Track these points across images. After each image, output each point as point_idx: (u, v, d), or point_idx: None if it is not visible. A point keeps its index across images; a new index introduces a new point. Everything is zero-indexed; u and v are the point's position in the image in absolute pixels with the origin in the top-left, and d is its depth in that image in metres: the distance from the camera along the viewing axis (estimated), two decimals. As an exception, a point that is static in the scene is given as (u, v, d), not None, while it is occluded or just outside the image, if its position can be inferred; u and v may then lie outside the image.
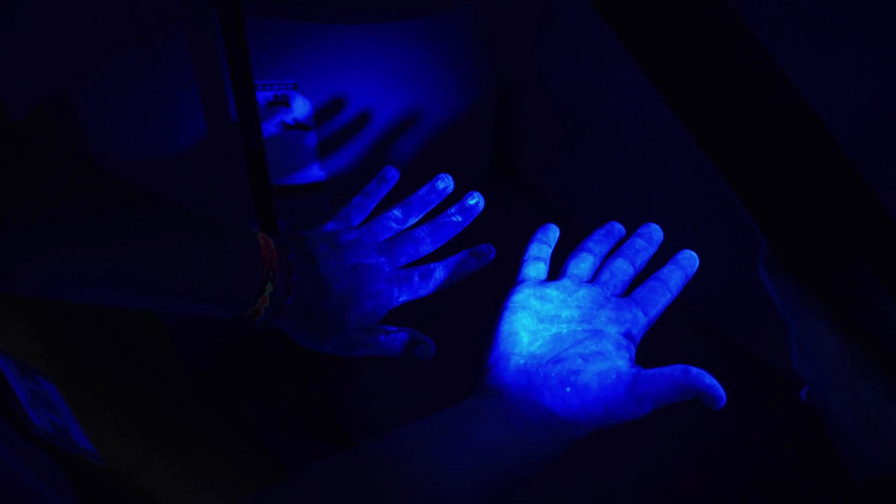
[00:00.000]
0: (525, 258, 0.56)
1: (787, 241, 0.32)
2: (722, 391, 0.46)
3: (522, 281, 0.54)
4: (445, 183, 0.59)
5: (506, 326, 0.50)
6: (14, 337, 1.21)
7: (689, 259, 0.54)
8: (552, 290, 0.53)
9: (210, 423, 1.21)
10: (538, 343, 0.49)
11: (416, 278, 0.56)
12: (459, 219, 0.57)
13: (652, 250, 0.55)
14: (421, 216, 0.59)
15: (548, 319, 0.51)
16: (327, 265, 0.52)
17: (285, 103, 0.93)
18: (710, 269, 1.05)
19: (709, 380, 0.46)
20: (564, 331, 0.50)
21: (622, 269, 0.54)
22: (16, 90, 0.68)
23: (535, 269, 0.55)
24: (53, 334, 1.22)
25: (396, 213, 0.58)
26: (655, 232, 0.56)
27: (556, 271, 0.56)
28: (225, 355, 1.25)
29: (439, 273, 0.56)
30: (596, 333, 0.49)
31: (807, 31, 0.90)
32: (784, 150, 0.30)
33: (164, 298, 0.44)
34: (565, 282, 0.54)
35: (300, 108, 0.93)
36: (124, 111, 0.85)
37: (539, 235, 0.58)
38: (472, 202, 0.57)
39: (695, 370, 0.46)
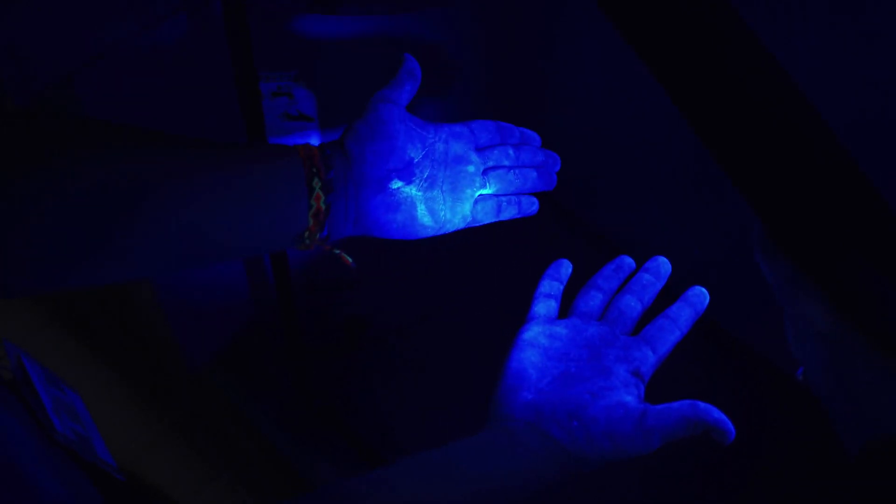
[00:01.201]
0: (536, 295, 0.56)
1: (780, 221, 0.32)
2: (730, 426, 0.46)
3: (533, 318, 0.55)
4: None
5: (515, 364, 0.51)
6: (42, 330, 1.22)
7: (699, 296, 0.54)
8: (561, 329, 0.53)
9: (211, 415, 1.22)
10: (547, 380, 0.50)
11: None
12: (542, 159, 0.58)
13: (660, 285, 0.56)
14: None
15: (556, 357, 0.51)
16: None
17: (288, 94, 0.93)
18: (712, 267, 1.05)
19: (717, 414, 0.46)
20: (573, 369, 0.50)
21: (630, 306, 0.54)
22: (17, 76, 0.69)
23: (546, 306, 0.55)
24: (78, 342, 1.23)
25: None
26: (663, 266, 0.56)
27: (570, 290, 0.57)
28: (226, 347, 1.25)
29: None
30: (604, 371, 0.50)
31: (802, 23, 0.90)
32: (776, 132, 0.30)
33: (235, 240, 0.45)
34: (574, 320, 0.54)
35: (303, 99, 0.94)
36: (127, 99, 0.86)
37: (551, 272, 0.58)
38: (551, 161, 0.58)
39: (702, 405, 0.46)
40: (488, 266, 1.25)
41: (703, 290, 0.54)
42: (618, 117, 1.26)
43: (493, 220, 0.55)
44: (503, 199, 0.55)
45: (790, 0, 0.89)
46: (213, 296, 1.16)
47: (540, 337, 0.53)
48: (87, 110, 0.80)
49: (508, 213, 0.56)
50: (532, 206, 0.57)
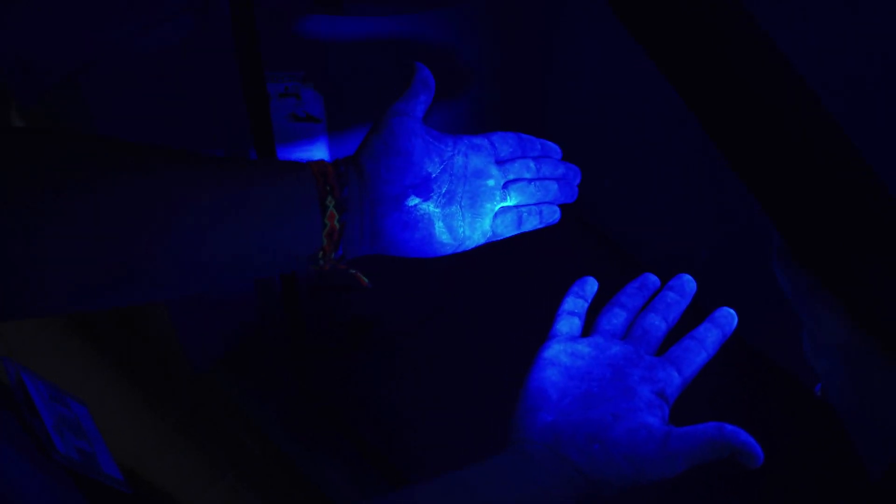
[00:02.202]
0: (559, 312, 0.54)
1: (799, 233, 0.32)
2: (759, 449, 0.44)
3: (554, 336, 0.53)
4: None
5: (534, 384, 0.49)
6: (45, 329, 1.21)
7: (727, 317, 0.52)
8: (584, 347, 0.52)
9: (216, 416, 1.21)
10: (567, 400, 0.48)
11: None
12: (564, 171, 0.56)
13: (685, 303, 0.54)
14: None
15: (578, 377, 0.50)
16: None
17: (296, 96, 0.92)
18: (718, 267, 1.04)
19: (744, 437, 0.45)
20: (595, 389, 0.49)
21: (655, 324, 0.53)
22: (23, 76, 0.68)
23: (569, 324, 0.54)
24: (82, 344, 1.23)
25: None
26: (688, 284, 0.54)
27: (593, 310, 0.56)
28: (231, 348, 1.25)
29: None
30: (628, 391, 0.48)
31: (816, 25, 0.89)
32: (795, 144, 0.30)
33: (247, 261, 0.43)
34: (597, 338, 0.52)
35: (311, 100, 0.93)
36: (133, 99, 0.85)
37: (576, 289, 0.56)
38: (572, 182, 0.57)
39: (730, 427, 0.45)
40: (493, 267, 1.24)
41: (732, 311, 0.52)
42: (625, 120, 1.26)
43: (515, 232, 0.53)
44: (524, 209, 0.53)
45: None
46: (218, 297, 1.16)
47: (561, 355, 0.51)
48: (92, 111, 0.80)
49: (530, 224, 0.54)
50: (553, 214, 0.55)
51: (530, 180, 0.53)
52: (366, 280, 0.51)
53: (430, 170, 0.49)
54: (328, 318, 1.26)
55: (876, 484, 0.31)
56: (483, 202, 0.51)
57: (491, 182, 0.51)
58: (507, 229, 0.53)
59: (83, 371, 1.21)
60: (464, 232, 0.51)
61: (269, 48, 0.80)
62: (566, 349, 0.51)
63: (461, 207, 0.50)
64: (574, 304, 0.55)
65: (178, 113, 0.91)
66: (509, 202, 0.52)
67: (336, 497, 1.13)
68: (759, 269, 0.57)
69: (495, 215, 0.52)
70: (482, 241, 0.52)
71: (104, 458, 0.86)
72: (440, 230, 0.50)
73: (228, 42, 0.83)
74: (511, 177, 0.53)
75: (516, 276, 1.29)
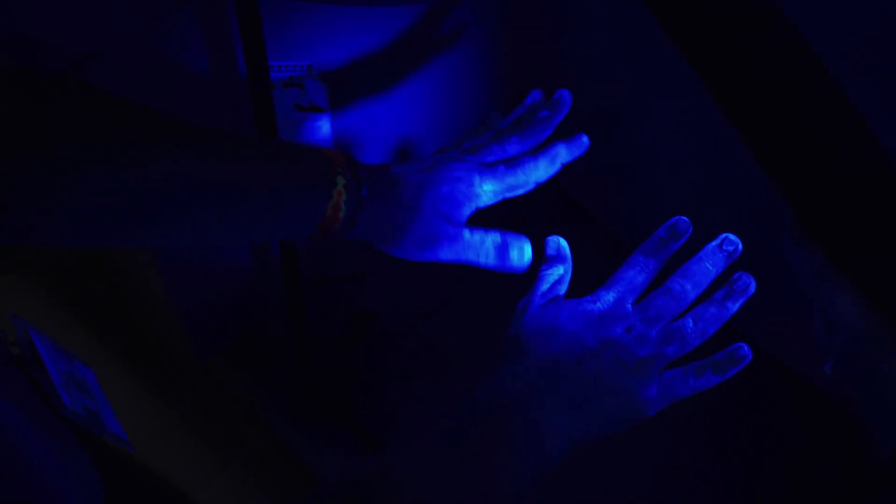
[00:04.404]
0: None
1: (812, 212, 0.31)
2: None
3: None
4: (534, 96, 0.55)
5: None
6: (55, 322, 1.22)
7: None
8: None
9: (219, 406, 1.22)
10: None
11: (502, 167, 0.50)
12: (545, 113, 0.53)
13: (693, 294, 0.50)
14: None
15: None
16: (400, 167, 0.49)
17: (300, 85, 0.92)
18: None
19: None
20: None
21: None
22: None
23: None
24: (93, 321, 1.23)
25: (490, 134, 0.53)
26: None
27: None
28: (235, 340, 1.25)
29: (529, 162, 0.51)
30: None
31: (830, 12, 0.89)
32: (809, 122, 0.30)
33: (242, 214, 0.43)
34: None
35: (315, 90, 0.93)
36: (137, 89, 0.85)
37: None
38: (555, 97, 0.53)
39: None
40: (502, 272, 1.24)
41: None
42: (628, 109, 1.25)
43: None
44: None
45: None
46: (222, 288, 1.16)
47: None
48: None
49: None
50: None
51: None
52: None
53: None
54: (332, 310, 1.26)
55: (884, 466, 0.31)
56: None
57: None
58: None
59: (85, 364, 1.22)
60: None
61: (274, 38, 0.80)
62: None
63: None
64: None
65: (181, 102, 0.90)
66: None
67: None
68: (762, 265, 0.57)
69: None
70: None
71: (109, 418, 0.86)
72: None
73: (232, 32, 0.83)
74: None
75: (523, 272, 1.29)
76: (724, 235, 0.49)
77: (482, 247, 0.50)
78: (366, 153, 1.04)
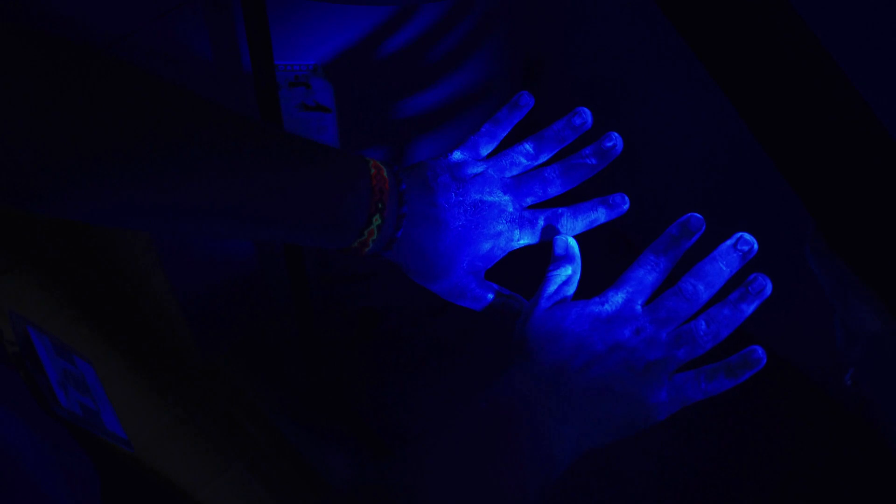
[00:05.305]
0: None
1: (834, 221, 0.31)
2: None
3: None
4: (583, 119, 0.52)
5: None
6: (55, 317, 1.22)
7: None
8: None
9: (223, 406, 1.21)
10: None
11: (541, 222, 0.51)
12: (594, 162, 0.51)
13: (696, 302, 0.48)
14: (553, 153, 0.53)
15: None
16: (446, 199, 0.48)
17: (306, 85, 0.92)
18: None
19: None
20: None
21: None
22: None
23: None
24: (95, 317, 1.23)
25: (528, 147, 0.52)
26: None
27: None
28: (240, 339, 1.25)
29: (566, 219, 0.51)
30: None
31: (854, 20, 0.88)
32: (833, 133, 0.30)
33: (262, 227, 0.42)
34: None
35: (321, 89, 0.92)
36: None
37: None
38: (608, 145, 0.51)
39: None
40: (503, 261, 1.24)
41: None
42: (639, 102, 1.24)
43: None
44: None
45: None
46: (228, 287, 1.16)
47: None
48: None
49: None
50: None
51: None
52: None
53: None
54: (337, 309, 1.26)
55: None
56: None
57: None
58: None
59: (85, 360, 1.22)
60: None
61: (279, 37, 0.79)
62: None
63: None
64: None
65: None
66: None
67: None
68: (778, 266, 0.56)
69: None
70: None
71: (108, 416, 0.85)
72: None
73: (237, 30, 0.83)
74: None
75: (525, 270, 1.28)
76: (738, 234, 0.47)
77: (499, 311, 0.52)
78: (371, 153, 1.04)
